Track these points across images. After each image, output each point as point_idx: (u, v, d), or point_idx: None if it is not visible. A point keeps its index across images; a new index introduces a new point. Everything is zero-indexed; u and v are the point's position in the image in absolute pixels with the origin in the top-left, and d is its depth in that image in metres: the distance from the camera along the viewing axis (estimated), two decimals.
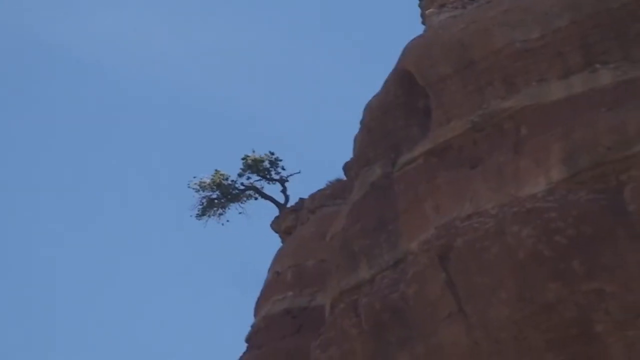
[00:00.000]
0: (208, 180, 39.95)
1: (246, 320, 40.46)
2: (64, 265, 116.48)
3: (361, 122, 37.01)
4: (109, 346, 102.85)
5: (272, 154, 40.07)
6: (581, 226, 29.96)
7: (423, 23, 36.06)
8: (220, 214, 40.77)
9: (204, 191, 40.12)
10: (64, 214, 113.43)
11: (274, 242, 40.33)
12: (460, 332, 31.60)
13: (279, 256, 40.64)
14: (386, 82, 36.20)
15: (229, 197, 39.68)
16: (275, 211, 43.51)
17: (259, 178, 39.52)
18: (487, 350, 31.13)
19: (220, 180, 39.52)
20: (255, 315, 39.77)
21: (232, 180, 40.48)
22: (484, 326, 31.24)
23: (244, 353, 39.94)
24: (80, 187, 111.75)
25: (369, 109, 36.49)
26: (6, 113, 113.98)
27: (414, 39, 35.44)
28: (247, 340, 39.98)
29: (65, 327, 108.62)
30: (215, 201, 40.08)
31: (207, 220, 41.46)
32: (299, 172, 41.71)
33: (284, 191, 39.72)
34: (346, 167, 38.88)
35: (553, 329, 30.31)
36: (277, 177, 39.82)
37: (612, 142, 30.10)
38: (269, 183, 39.73)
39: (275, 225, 40.07)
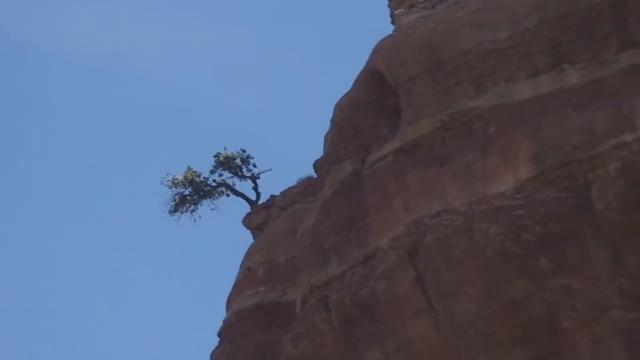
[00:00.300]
0: (180, 177, 39.90)
1: (218, 315, 40.36)
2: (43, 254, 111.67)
3: (332, 121, 36.61)
4: (88, 334, 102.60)
5: (244, 151, 39.98)
6: (549, 224, 29.79)
7: (392, 23, 35.77)
8: (193, 211, 40.77)
9: (176, 188, 40.12)
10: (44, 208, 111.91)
11: (246, 239, 40.17)
12: (429, 327, 31.38)
13: (250, 252, 40.37)
14: (356, 81, 35.88)
15: (201, 193, 39.69)
16: (246, 208, 42.39)
17: (230, 175, 39.56)
18: (455, 345, 30.96)
19: (192, 177, 39.52)
20: (227, 310, 39.28)
21: (205, 177, 40.09)
22: (452, 322, 31.03)
23: (216, 347, 39.77)
24: (57, 181, 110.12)
25: (339, 107, 36.07)
26: None
27: (384, 38, 35.07)
28: (219, 334, 39.48)
29: (46, 316, 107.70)
30: (188, 198, 40.10)
31: (179, 217, 41.50)
32: (270, 170, 41.82)
33: (255, 188, 39.70)
34: (317, 165, 38.59)
35: (520, 325, 30.11)
36: (248, 174, 39.77)
37: (579, 142, 29.85)
38: (240, 180, 39.73)
39: (247, 221, 40.00)
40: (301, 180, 40.77)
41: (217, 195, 40.71)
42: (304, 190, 39.63)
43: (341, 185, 35.00)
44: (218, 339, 40.36)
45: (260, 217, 39.19)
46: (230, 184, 40.96)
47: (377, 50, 34.89)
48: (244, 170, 40.08)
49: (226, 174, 40.34)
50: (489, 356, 30.79)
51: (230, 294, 39.99)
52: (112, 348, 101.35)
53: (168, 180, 40.90)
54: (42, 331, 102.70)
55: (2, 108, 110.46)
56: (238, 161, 40.66)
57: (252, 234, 39.61)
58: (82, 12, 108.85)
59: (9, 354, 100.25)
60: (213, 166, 41.82)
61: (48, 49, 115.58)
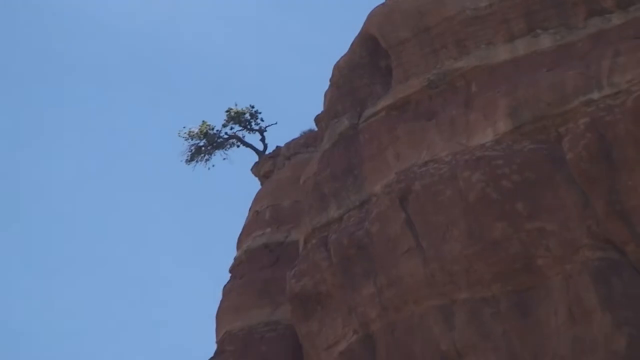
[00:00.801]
0: (196, 130, 39.78)
1: (229, 254, 40.36)
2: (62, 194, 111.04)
3: (331, 80, 36.39)
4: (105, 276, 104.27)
5: (252, 107, 39.85)
6: (525, 172, 29.82)
7: None
8: (207, 160, 40.62)
9: (192, 140, 40.04)
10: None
11: (254, 185, 40.07)
12: (418, 265, 31.23)
13: (258, 197, 40.11)
14: (352, 44, 35.68)
15: (214, 145, 39.51)
16: (255, 158, 41.67)
17: (240, 128, 39.39)
18: (441, 280, 30.78)
19: (206, 130, 39.38)
20: (237, 249, 39.40)
21: (217, 130, 39.91)
22: (438, 260, 30.88)
23: (227, 282, 39.51)
24: (84, 130, 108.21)
25: (338, 68, 35.91)
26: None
27: (377, 6, 34.89)
28: (230, 271, 38.98)
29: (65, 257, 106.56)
30: (202, 148, 39.94)
31: (195, 166, 41.51)
32: (276, 123, 41.62)
33: (262, 140, 39.50)
34: (317, 119, 38.17)
35: (499, 263, 30.05)
36: (256, 127, 39.56)
37: (551, 99, 29.77)
38: (249, 133, 39.51)
39: (255, 170, 39.87)
40: (303, 132, 40.51)
41: (228, 146, 40.52)
42: (306, 142, 39.44)
43: (339, 137, 34.91)
44: (229, 274, 40.26)
45: (267, 166, 38.82)
46: (240, 136, 40.80)
47: (371, 17, 34.70)
48: (253, 124, 39.89)
49: (236, 128, 40.25)
50: (471, 290, 30.70)
51: (240, 234, 39.78)
52: (126, 285, 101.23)
53: (185, 133, 40.86)
54: (70, 266, 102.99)
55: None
56: (247, 116, 40.55)
57: (260, 181, 39.24)
58: None
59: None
60: (225, 120, 41.72)
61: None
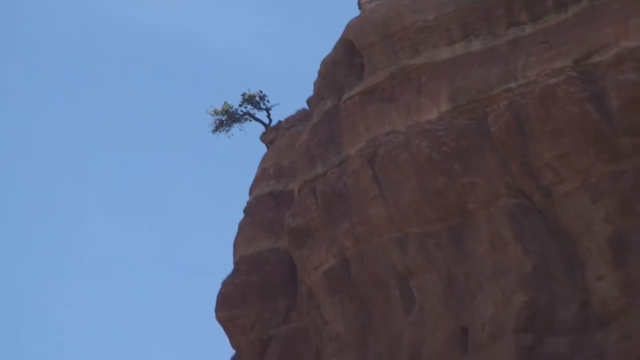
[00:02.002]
0: (219, 109, 39.67)
1: (242, 201, 40.57)
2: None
3: (319, 72, 36.08)
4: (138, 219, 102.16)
5: (261, 91, 39.76)
6: (460, 141, 30.07)
7: (359, 8, 35.33)
8: (227, 131, 40.48)
9: (216, 116, 39.94)
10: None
11: (262, 150, 40.29)
12: (381, 208, 31.64)
13: (265, 158, 40.00)
14: (335, 46, 35.36)
15: (233, 119, 39.38)
16: (262, 129, 41.17)
17: (252, 107, 39.26)
18: (398, 220, 31.11)
19: (227, 108, 39.18)
20: (249, 195, 39.30)
21: (235, 109, 39.65)
22: (396, 205, 31.27)
23: (242, 220, 39.45)
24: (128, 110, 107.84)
25: (324, 63, 35.59)
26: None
27: (353, 18, 34.68)
28: (244, 211, 39.49)
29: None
30: (224, 122, 39.73)
31: (218, 135, 41.62)
32: (279, 104, 41.48)
33: (268, 116, 39.27)
34: (309, 101, 37.87)
35: (441, 208, 30.42)
36: (264, 107, 39.33)
37: (480, 87, 29.79)
38: (258, 110, 39.14)
39: (263, 138, 39.69)
40: (298, 111, 40.02)
41: (243, 120, 40.39)
42: (300, 117, 39.10)
43: (324, 114, 34.86)
44: (243, 214, 40.06)
45: (271, 135, 38.50)
46: (252, 113, 40.75)
47: (348, 26, 34.43)
48: (261, 104, 39.53)
49: (249, 107, 40.13)
50: (420, 227, 30.86)
51: (252, 184, 39.81)
52: (166, 225, 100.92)
53: (211, 111, 40.78)
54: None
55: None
56: (257, 98, 40.31)
57: (266, 146, 39.24)
58: None
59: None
60: (240, 101, 41.42)
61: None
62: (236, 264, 37.85)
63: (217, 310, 37.02)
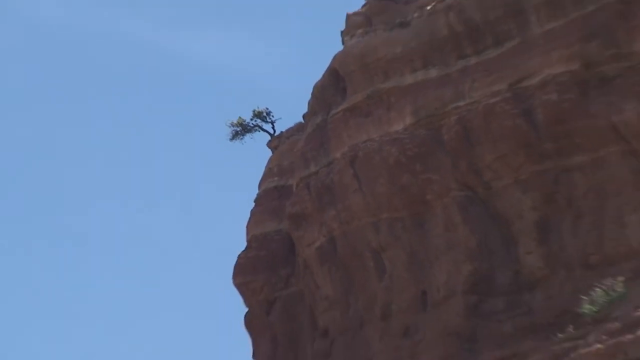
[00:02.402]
0: (235, 121, 39.45)
1: (253, 193, 40.27)
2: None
3: (312, 93, 35.42)
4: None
5: (268, 109, 39.27)
6: (421, 147, 29.85)
7: (343, 43, 34.26)
8: (241, 139, 40.17)
9: (233, 127, 39.57)
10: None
11: (268, 154, 39.75)
12: (360, 198, 31.27)
13: (270, 160, 39.18)
14: (324, 73, 34.76)
15: (246, 130, 39.02)
16: (268, 137, 40.46)
17: (260, 121, 39.10)
18: (373, 208, 30.72)
19: (241, 122, 38.82)
20: (258, 189, 38.55)
21: (247, 121, 39.37)
22: (371, 195, 30.92)
23: (253, 208, 38.33)
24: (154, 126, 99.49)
25: (316, 87, 35.02)
26: None
27: (338, 52, 33.85)
28: (255, 201, 38.58)
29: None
30: (238, 132, 39.46)
31: (234, 142, 41.34)
32: (281, 118, 41.07)
33: (273, 127, 38.71)
34: (304, 116, 37.19)
35: (406, 198, 30.21)
36: (269, 120, 38.92)
37: (436, 105, 29.64)
38: (265, 123, 38.86)
39: (269, 144, 39.34)
40: (296, 124, 38.36)
41: (254, 131, 40.04)
42: (298, 128, 38.32)
43: (316, 126, 34.50)
44: (254, 203, 38.91)
45: (275, 142, 38.04)
46: (260, 125, 40.54)
47: (334, 58, 33.93)
48: (267, 118, 39.38)
49: (258, 120, 39.97)
50: (390, 213, 30.67)
51: (260, 180, 39.11)
52: (190, 214, 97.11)
53: (229, 123, 40.62)
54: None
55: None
56: (264, 114, 39.88)
57: (272, 151, 37.88)
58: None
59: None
60: (251, 116, 41.18)
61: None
62: (248, 241, 37.39)
63: (234, 277, 36.79)
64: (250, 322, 36.11)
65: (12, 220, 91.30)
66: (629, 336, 19.80)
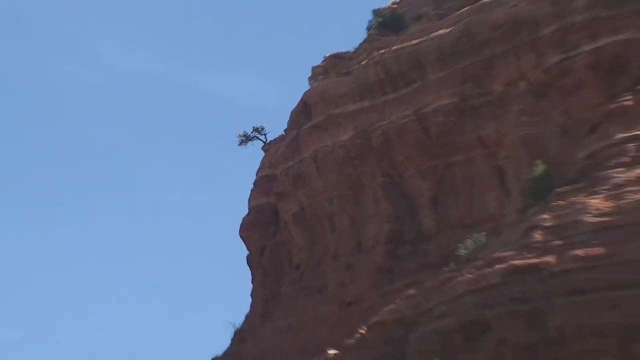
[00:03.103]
0: (242, 133, 38.90)
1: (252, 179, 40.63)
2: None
3: (290, 117, 34.51)
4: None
5: (262, 126, 38.29)
6: (358, 150, 29.16)
7: (309, 85, 33.49)
8: (246, 144, 39.55)
9: (240, 137, 39.02)
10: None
11: (262, 154, 39.43)
12: (320, 182, 30.65)
13: (264, 158, 37.89)
14: (298, 104, 33.91)
15: (248, 139, 38.31)
16: (261, 144, 40.11)
17: (258, 133, 38.63)
18: (328, 189, 30.21)
19: (246, 134, 38.19)
20: (256, 175, 37.08)
21: (249, 134, 38.76)
22: (327, 182, 30.31)
23: (252, 188, 36.84)
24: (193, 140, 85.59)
25: (292, 112, 34.19)
26: None
27: (307, 90, 33.11)
28: (254, 184, 37.27)
29: None
30: (244, 140, 38.96)
31: (242, 147, 40.71)
32: (270, 132, 40.54)
33: (265, 137, 38.29)
34: (285, 131, 36.46)
35: (349, 182, 29.83)
36: (263, 133, 38.34)
37: (366, 124, 29.21)
38: (261, 135, 38.38)
39: (263, 148, 38.51)
40: (280, 135, 37.60)
41: (254, 139, 39.04)
42: (281, 139, 36.07)
43: (292, 138, 33.73)
44: (253, 185, 37.57)
45: (267, 147, 36.53)
46: (258, 136, 39.70)
47: (305, 94, 33.18)
48: (262, 132, 38.63)
49: (257, 133, 39.13)
50: (339, 192, 30.31)
51: (257, 171, 37.80)
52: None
53: (238, 135, 39.87)
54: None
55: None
56: (260, 129, 39.48)
57: (265, 152, 37.43)
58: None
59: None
60: (252, 130, 39.39)
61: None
62: (249, 209, 36.65)
63: (240, 231, 36.26)
64: (250, 261, 35.75)
65: None
66: (488, 269, 19.71)
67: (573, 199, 19.69)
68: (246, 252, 36.28)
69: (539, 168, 23.97)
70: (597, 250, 17.60)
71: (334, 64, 33.35)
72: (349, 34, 73.55)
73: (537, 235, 19.41)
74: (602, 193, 19.00)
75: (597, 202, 18.87)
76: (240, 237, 36.33)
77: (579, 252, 17.92)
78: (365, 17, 34.07)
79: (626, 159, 19.84)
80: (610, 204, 18.58)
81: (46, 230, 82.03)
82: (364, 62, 31.11)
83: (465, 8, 28.57)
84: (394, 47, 30.17)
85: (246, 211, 36.92)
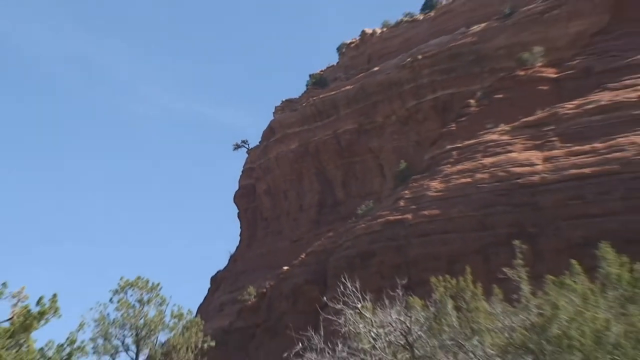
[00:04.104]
0: (235, 143, 38.57)
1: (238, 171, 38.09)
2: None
3: (262, 135, 35.92)
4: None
5: (247, 140, 38.92)
6: (300, 154, 30.68)
7: (273, 116, 35.16)
8: (237, 149, 39.22)
9: (234, 145, 38.71)
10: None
11: (245, 156, 38.61)
12: (278, 171, 31.98)
13: (247, 158, 38.13)
14: (267, 127, 35.31)
15: (238, 146, 38.93)
16: (246, 149, 39.76)
17: (244, 143, 38.69)
18: (286, 174, 31.61)
19: (237, 143, 38.68)
20: (242, 168, 37.53)
21: (240, 143, 39.13)
22: (283, 171, 31.52)
23: (241, 174, 37.24)
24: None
25: (263, 132, 35.47)
26: None
27: (272, 119, 34.37)
28: (242, 172, 37.63)
29: None
30: (237, 147, 38.94)
31: (235, 151, 39.62)
32: (251, 143, 39.29)
33: (248, 146, 38.34)
34: (259, 143, 37.11)
35: (296, 172, 31.04)
36: (248, 143, 38.50)
37: (307, 140, 30.48)
38: (246, 144, 38.61)
39: (247, 152, 38.39)
40: (256, 145, 37.87)
41: (242, 147, 39.21)
42: (257, 147, 37.32)
43: (264, 147, 34.22)
44: (241, 173, 37.66)
45: (250, 151, 37.75)
46: (245, 145, 39.39)
47: (271, 121, 34.17)
48: (247, 142, 38.81)
49: (244, 143, 38.82)
50: (291, 177, 31.60)
51: (244, 165, 37.72)
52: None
53: (233, 144, 39.28)
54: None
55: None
56: (246, 141, 38.92)
57: (248, 154, 37.81)
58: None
59: None
60: (241, 142, 39.91)
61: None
62: (239, 187, 36.76)
63: (234, 199, 36.22)
64: (240, 216, 35.45)
65: None
66: (374, 221, 19.81)
67: (422, 182, 20.20)
68: (236, 211, 36.40)
69: (403, 165, 24.69)
70: (435, 212, 18.23)
71: (288, 105, 34.27)
72: (296, 87, 79.50)
73: (401, 203, 19.83)
74: (438, 179, 19.64)
75: (435, 184, 19.36)
76: (234, 202, 36.34)
77: (425, 212, 18.52)
78: (305, 78, 35.45)
79: (451, 160, 20.59)
80: (442, 185, 19.18)
81: None
82: (304, 104, 31.74)
83: (361, 74, 29.48)
84: (321, 95, 30.97)
85: (237, 188, 37.01)
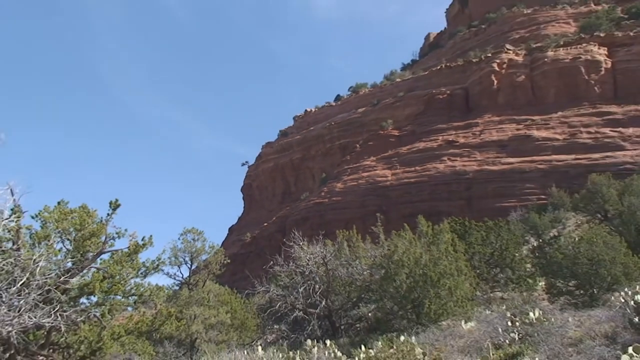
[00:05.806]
0: (242, 163, 42.56)
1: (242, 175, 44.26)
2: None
3: (255, 159, 45.88)
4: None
5: (247, 161, 43.83)
6: (276, 170, 38.20)
7: (261, 149, 43.36)
8: (243, 166, 44.15)
9: (241, 163, 43.06)
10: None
11: (246, 168, 45.66)
12: (263, 178, 39.54)
13: (247, 171, 44.78)
14: (257, 155, 44.28)
15: (244, 164, 43.84)
16: (247, 165, 46.38)
17: (245, 163, 43.05)
18: (272, 178, 40.15)
19: (243, 162, 43.71)
20: (244, 176, 45.96)
21: (244, 163, 44.64)
22: (266, 178, 39.97)
23: (243, 181, 46.18)
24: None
25: (256, 158, 44.56)
26: None
27: (260, 151, 43.67)
28: (247, 173, 46.24)
29: None
30: (243, 164, 44.00)
31: (242, 166, 44.65)
32: (249, 162, 43.66)
33: (248, 164, 41.42)
34: (254, 162, 46.44)
35: (273, 180, 39.66)
36: (248, 163, 43.19)
37: (282, 161, 38.32)
38: (247, 164, 43.43)
39: (248, 167, 42.36)
40: (253, 163, 45.26)
41: (244, 165, 45.67)
42: (252, 164, 44.52)
43: (255, 165, 41.70)
44: (244, 179, 46.38)
45: (250, 167, 43.14)
46: (246, 163, 45.46)
47: (260, 152, 43.00)
48: (247, 162, 44.36)
49: (246, 163, 43.88)
50: (274, 183, 39.57)
51: (245, 175, 46.21)
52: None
53: (241, 163, 44.37)
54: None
55: None
56: (246, 162, 44.44)
57: (248, 168, 43.72)
58: None
59: None
60: (243, 163, 47.72)
61: None
62: (243, 184, 45.73)
63: (241, 189, 43.67)
64: (244, 199, 46.16)
65: None
66: (309, 202, 21.82)
67: (333, 183, 26.00)
68: (242, 196, 47.92)
69: (324, 175, 33.27)
70: (339, 198, 21.47)
71: (268, 144, 47.16)
72: (272, 134, 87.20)
73: (322, 193, 25.63)
74: (340, 182, 25.35)
75: (339, 185, 24.28)
76: (241, 192, 48.71)
77: (334, 198, 23.45)
78: (277, 130, 44.06)
79: (347, 173, 25.19)
80: (343, 185, 23.75)
81: None
82: (276, 144, 43.38)
83: (304, 131, 39.22)
84: (285, 141, 40.69)
85: (242, 184, 48.58)
